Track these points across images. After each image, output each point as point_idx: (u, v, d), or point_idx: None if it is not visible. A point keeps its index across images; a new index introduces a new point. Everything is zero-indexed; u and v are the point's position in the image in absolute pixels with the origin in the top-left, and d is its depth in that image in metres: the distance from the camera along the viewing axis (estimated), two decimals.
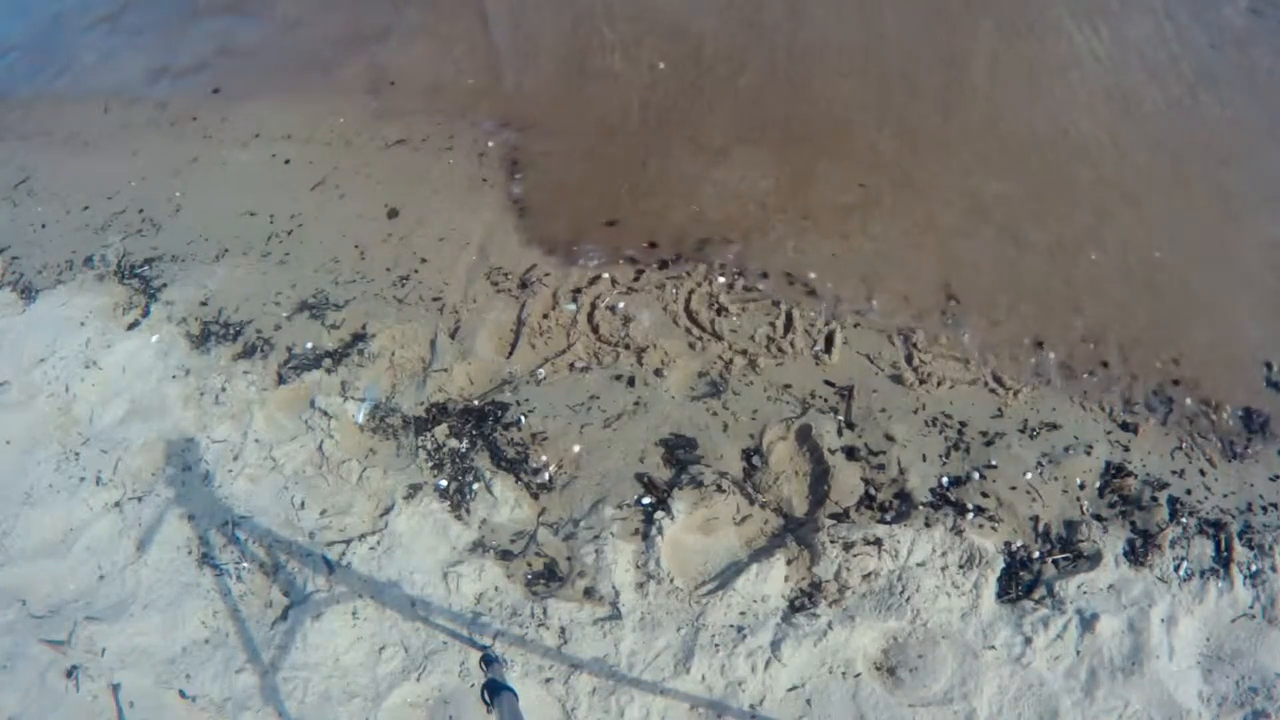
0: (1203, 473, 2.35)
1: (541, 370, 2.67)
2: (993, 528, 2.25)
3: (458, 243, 3.10)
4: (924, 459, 2.39)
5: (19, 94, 4.29)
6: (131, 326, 2.96)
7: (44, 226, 3.48)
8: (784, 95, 3.42)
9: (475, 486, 2.41)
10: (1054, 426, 2.45)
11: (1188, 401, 2.42)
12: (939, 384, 2.55)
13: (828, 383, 2.59)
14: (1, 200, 3.65)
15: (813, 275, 2.83)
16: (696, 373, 2.64)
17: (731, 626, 2.10)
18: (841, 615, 2.10)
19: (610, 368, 2.66)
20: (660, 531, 2.25)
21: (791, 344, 2.68)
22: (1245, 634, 2.07)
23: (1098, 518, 2.27)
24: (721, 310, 2.78)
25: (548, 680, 2.05)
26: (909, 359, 2.62)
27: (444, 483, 2.43)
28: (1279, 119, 3.16)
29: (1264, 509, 2.28)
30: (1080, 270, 2.79)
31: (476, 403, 2.61)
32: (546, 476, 2.43)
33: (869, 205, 3.02)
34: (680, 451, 2.44)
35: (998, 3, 3.63)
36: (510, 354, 2.73)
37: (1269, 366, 2.53)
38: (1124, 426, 2.45)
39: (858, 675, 2.03)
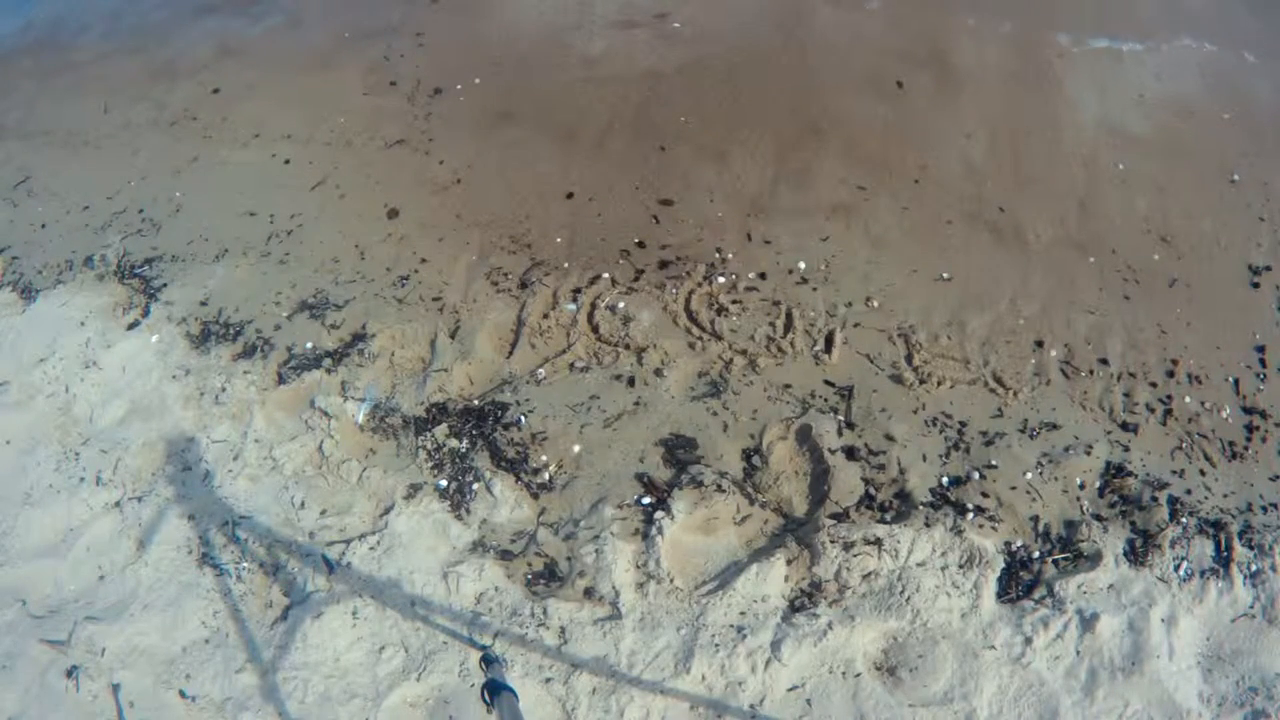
0: (1203, 473, 2.36)
1: (541, 370, 2.66)
2: (993, 528, 2.25)
3: (458, 242, 3.10)
4: (924, 459, 2.39)
5: (19, 94, 4.29)
6: (131, 326, 2.96)
7: (44, 226, 3.48)
8: None
9: (475, 486, 2.41)
10: (1054, 426, 2.45)
11: None
12: (939, 384, 2.55)
13: (828, 383, 2.59)
14: (1, 200, 3.65)
15: None
16: (696, 373, 2.64)
17: (731, 626, 2.09)
18: (841, 615, 2.10)
19: (610, 368, 2.66)
20: (660, 531, 2.25)
21: (791, 344, 2.68)
22: (1245, 634, 2.07)
23: (1098, 518, 2.27)
24: (721, 310, 2.78)
25: (548, 680, 2.05)
26: (909, 359, 2.62)
27: (444, 483, 2.43)
28: None
29: (1264, 509, 2.28)
30: None
31: (476, 403, 2.61)
32: (546, 476, 2.43)
33: None
34: (680, 451, 2.44)
35: None
36: (510, 354, 2.73)
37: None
38: (1124, 426, 2.45)
39: (858, 675, 2.03)
